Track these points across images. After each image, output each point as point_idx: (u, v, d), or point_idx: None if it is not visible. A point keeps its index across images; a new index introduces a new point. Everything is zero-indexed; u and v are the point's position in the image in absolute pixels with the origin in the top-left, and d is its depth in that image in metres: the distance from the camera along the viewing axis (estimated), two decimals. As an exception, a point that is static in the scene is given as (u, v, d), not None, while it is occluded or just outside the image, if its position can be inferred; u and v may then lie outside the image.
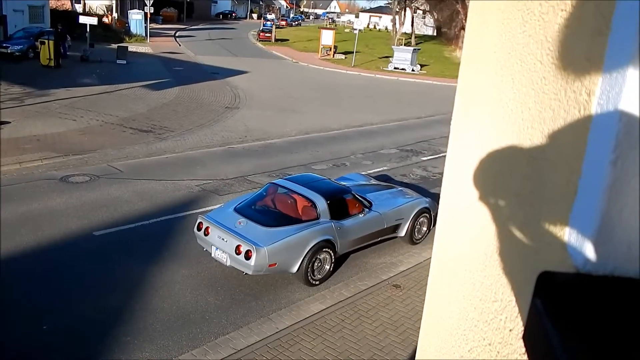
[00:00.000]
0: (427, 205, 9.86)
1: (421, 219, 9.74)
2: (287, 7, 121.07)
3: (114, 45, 33.29)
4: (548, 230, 0.79)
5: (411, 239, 9.64)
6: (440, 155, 15.99)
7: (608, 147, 0.60)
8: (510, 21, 1.05)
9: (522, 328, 0.88)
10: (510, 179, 1.00)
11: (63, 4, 47.33)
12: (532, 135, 0.89)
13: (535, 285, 0.56)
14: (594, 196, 0.62)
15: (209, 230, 7.97)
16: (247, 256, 7.37)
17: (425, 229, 9.87)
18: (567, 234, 0.70)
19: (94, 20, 30.76)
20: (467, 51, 1.41)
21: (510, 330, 0.93)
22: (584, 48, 0.73)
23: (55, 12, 38.02)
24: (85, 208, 10.02)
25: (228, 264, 7.70)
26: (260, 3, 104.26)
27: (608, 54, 0.63)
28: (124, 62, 29.51)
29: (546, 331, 0.50)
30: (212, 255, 7.93)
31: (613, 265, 0.60)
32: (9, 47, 27.08)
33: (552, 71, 0.83)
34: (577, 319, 0.50)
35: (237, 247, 7.48)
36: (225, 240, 7.70)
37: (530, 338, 0.55)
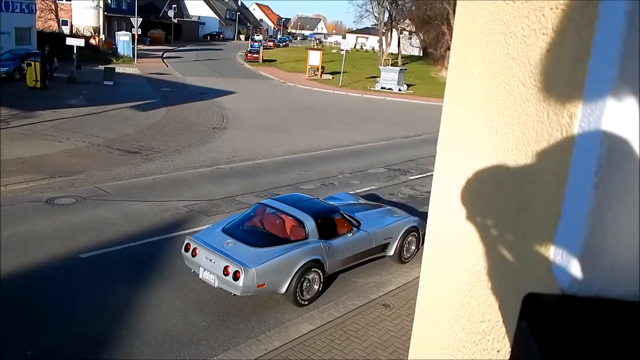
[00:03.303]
0: (415, 224, 9.88)
1: (410, 238, 9.75)
2: (274, 28, 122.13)
3: (101, 67, 33.31)
4: (533, 251, 0.79)
5: (400, 258, 9.63)
6: (428, 174, 16.05)
7: (590, 170, 0.60)
8: (493, 44, 1.07)
9: (509, 349, 0.88)
10: (497, 200, 1.00)
11: (50, 26, 47.43)
12: (516, 157, 0.90)
13: (521, 307, 0.56)
14: (578, 218, 0.62)
15: (197, 252, 7.91)
16: (235, 277, 7.31)
17: (413, 247, 9.87)
18: (552, 256, 0.70)
19: (81, 42, 30.82)
20: (453, 72, 1.43)
21: (497, 352, 0.93)
22: (565, 72, 0.74)
23: (42, 34, 38.03)
24: (71, 230, 9.92)
25: (216, 285, 7.63)
26: (248, 24, 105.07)
27: (589, 79, 0.64)
28: (111, 83, 29.47)
29: (532, 353, 0.50)
30: (200, 276, 7.86)
31: (598, 287, 0.60)
32: (-5, 68, 26.99)
33: (535, 93, 0.85)
34: (563, 340, 0.50)
35: (225, 267, 7.42)
36: (213, 261, 7.64)
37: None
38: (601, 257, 0.60)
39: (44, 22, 46.99)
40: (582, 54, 0.67)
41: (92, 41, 43.29)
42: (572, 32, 0.73)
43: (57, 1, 50.78)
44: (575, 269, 0.61)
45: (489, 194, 1.06)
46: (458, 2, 1.42)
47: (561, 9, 0.78)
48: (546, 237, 0.73)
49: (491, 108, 1.06)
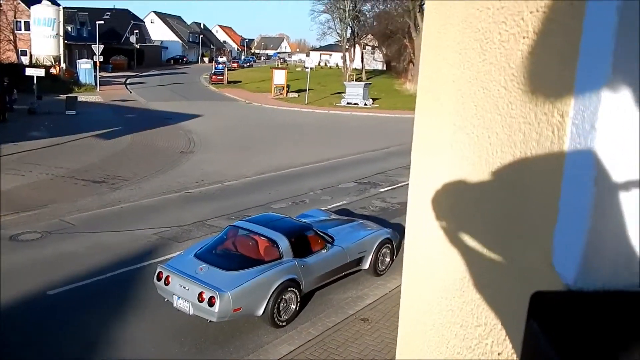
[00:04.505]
0: (388, 236, 9.90)
1: (384, 250, 9.75)
2: (238, 49, 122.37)
3: (63, 96, 32.74)
4: (531, 251, 0.79)
5: (375, 270, 9.61)
6: (398, 185, 16.16)
7: (589, 165, 0.60)
8: (468, 51, 1.08)
9: (512, 351, 0.88)
10: (484, 204, 1.01)
11: (8, 57, 46.60)
12: (502, 159, 0.91)
13: (529, 306, 0.56)
14: (578, 214, 0.63)
15: (170, 280, 7.75)
16: (211, 303, 7.18)
17: (388, 259, 9.87)
18: (552, 254, 0.70)
19: (41, 72, 30.36)
20: (424, 82, 1.42)
21: (498, 354, 0.93)
22: (552, 72, 0.75)
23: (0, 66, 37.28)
24: (38, 267, 9.61)
25: (191, 312, 7.47)
26: (212, 46, 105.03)
27: (579, 77, 0.65)
28: (74, 112, 29.01)
29: (545, 352, 0.50)
30: (174, 305, 7.69)
31: (603, 280, 0.61)
32: (-49, 104, 26.29)
33: (519, 96, 0.86)
34: (576, 336, 0.50)
35: (200, 294, 7.28)
36: (187, 288, 7.49)
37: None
38: (604, 251, 0.60)
39: (2, 53, 46.24)
40: (570, 53, 0.68)
41: (53, 70, 42.62)
42: (557, 32, 0.75)
43: (16, 31, 49.95)
44: (579, 264, 0.62)
45: (475, 198, 1.06)
46: (426, 15, 1.43)
47: (542, 12, 0.79)
48: (545, 236, 0.73)
49: (470, 114, 1.06)
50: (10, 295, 8.53)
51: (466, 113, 1.08)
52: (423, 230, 1.34)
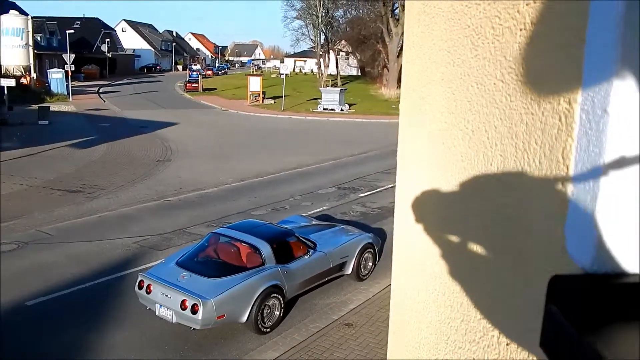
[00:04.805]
0: (370, 240, 9.93)
1: (366, 255, 9.78)
2: (212, 56, 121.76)
3: (35, 106, 32.19)
4: (541, 239, 0.79)
5: (358, 275, 9.64)
6: (377, 190, 16.24)
7: (600, 148, 0.60)
8: (457, 48, 1.08)
9: (519, 342, 0.88)
10: (484, 196, 1.01)
11: (-23, 68, 45.61)
12: (503, 151, 0.91)
13: (547, 291, 0.56)
14: (590, 197, 0.62)
15: (151, 288, 7.67)
16: (194, 310, 7.12)
17: (370, 264, 9.90)
18: (566, 240, 0.70)
19: (11, 82, 29.84)
20: (408, 83, 1.43)
21: (507, 345, 0.93)
22: (555, 60, 0.75)
23: (-32, 77, 36.48)
24: (15, 278, 9.40)
25: (174, 320, 7.40)
26: (185, 54, 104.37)
27: (587, 62, 0.65)
28: (47, 122, 28.53)
29: (568, 335, 0.50)
30: (157, 313, 7.61)
31: (618, 262, 0.60)
32: None
33: (519, 87, 0.86)
34: (597, 319, 0.50)
35: (183, 302, 7.22)
36: (169, 296, 7.42)
37: (550, 345, 0.54)
38: (618, 233, 0.59)
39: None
40: (574, 40, 0.68)
41: (24, 80, 41.89)
42: (558, 21, 0.75)
43: (-17, 42, 48.97)
44: (594, 248, 0.61)
45: (474, 192, 1.06)
46: (407, 16, 1.44)
47: (540, 2, 0.79)
48: (556, 222, 0.72)
49: (463, 110, 1.07)
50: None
51: (458, 109, 1.08)
52: (412, 231, 1.33)
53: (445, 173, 1.15)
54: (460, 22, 1.07)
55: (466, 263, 1.08)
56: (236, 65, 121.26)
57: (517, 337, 0.91)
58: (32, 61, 47.72)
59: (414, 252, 1.36)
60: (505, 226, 0.94)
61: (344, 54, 70.39)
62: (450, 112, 1.12)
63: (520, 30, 0.85)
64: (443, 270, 1.17)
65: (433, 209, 1.25)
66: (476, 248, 1.03)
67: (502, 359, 0.95)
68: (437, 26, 1.19)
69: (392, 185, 16.58)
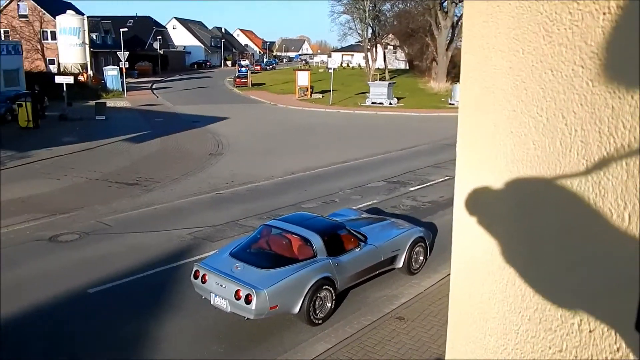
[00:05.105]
0: (421, 234, 9.86)
1: (417, 249, 9.72)
2: (260, 52, 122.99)
3: (92, 102, 33.40)
4: (626, 222, 0.79)
5: (409, 269, 9.59)
6: (428, 184, 16.09)
7: None
8: (527, 35, 1.08)
9: (606, 327, 0.88)
10: (561, 180, 1.00)
11: (38, 66, 47.63)
12: (584, 137, 0.91)
13: None
14: None
15: (206, 278, 7.86)
16: (248, 300, 7.26)
17: (422, 258, 9.83)
18: None
19: (70, 79, 30.92)
20: (468, 74, 1.41)
21: (590, 332, 0.93)
22: None
23: (30, 74, 38.16)
24: (78, 266, 9.84)
25: (228, 310, 7.57)
26: (234, 50, 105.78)
27: None
28: (103, 117, 29.54)
29: None
30: (212, 302, 7.80)
31: None
32: (-14, 112, 27.03)
33: (603, 72, 0.86)
34: None
35: (237, 292, 7.37)
36: (223, 286, 7.59)
37: None
38: None
39: (31, 62, 47.23)
40: None
41: (81, 78, 43.45)
42: None
43: (43, 41, 51.02)
44: None
45: (547, 178, 1.05)
46: (466, 5, 1.42)
47: None
48: None
49: (536, 97, 1.07)
50: (54, 292, 8.76)
51: (529, 97, 1.08)
52: (475, 222, 1.31)
53: (514, 162, 1.15)
54: (530, 9, 1.06)
55: (542, 251, 1.08)
56: (284, 60, 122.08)
57: (603, 322, 0.90)
58: (88, 59, 49.42)
59: (477, 242, 1.35)
60: (585, 210, 0.93)
61: (391, 47, 69.73)
62: (520, 100, 1.12)
63: (604, 14, 0.84)
64: (513, 260, 1.17)
65: (500, 198, 1.24)
66: (553, 235, 1.03)
67: (584, 346, 0.95)
68: (502, 14, 1.18)
69: (442, 179, 16.41)
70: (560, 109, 0.99)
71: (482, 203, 1.31)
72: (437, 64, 51.41)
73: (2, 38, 49.01)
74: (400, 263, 9.50)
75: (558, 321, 1.01)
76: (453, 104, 38.47)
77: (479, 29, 1.31)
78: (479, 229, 1.31)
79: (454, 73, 52.66)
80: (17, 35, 47.93)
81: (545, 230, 1.06)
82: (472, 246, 1.40)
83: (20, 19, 50.37)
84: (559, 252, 1.03)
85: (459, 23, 50.89)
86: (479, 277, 1.36)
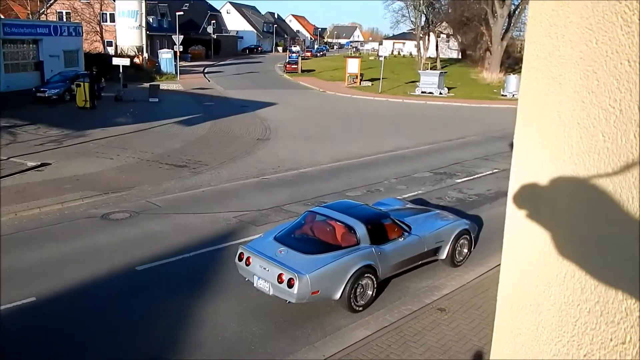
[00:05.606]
0: (467, 227, 9.74)
1: (461, 241, 9.61)
2: (311, 38, 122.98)
3: (146, 85, 34.26)
4: None
5: (452, 261, 9.50)
6: (475, 176, 15.83)
7: None
8: (603, 25, 1.06)
9: None
10: (632, 171, 0.99)
11: (96, 47, 49.06)
12: None
13: None
14: None
15: (250, 260, 8.00)
16: (290, 284, 7.36)
17: (466, 250, 9.72)
18: None
19: (126, 61, 31.75)
20: (532, 63, 1.38)
21: None
22: None
23: (88, 56, 39.40)
24: (127, 244, 10.19)
25: (271, 293, 7.70)
26: (285, 36, 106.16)
27: None
28: (156, 100, 30.25)
29: None
30: (255, 284, 7.94)
31: None
32: (46, 91, 28.14)
33: None
34: None
35: (279, 275, 7.48)
36: (267, 269, 7.71)
37: None
38: None
39: (90, 44, 48.63)
40: None
41: (137, 60, 44.56)
42: None
43: (102, 23, 52.49)
44: None
45: (616, 169, 1.04)
46: None
47: None
48: None
49: (609, 88, 1.05)
50: (104, 268, 9.13)
51: (601, 88, 1.06)
52: (531, 213, 1.30)
53: (579, 154, 1.13)
54: None
55: (610, 246, 1.06)
56: (334, 47, 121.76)
57: None
58: (144, 42, 50.55)
59: (532, 234, 1.34)
60: None
61: (444, 36, 68.48)
62: (590, 92, 1.10)
63: None
64: (576, 254, 1.16)
65: (563, 190, 1.23)
66: (623, 230, 1.01)
67: None
68: (575, 3, 1.16)
69: (490, 172, 16.11)
70: (637, 100, 0.97)
71: (541, 195, 1.30)
72: (490, 53, 50.20)
73: (64, 19, 50.73)
74: (443, 255, 9.42)
75: (622, 314, 1.01)
76: (505, 95, 37.57)
77: (547, 17, 1.28)
78: (536, 221, 1.30)
79: (507, 64, 51.41)
80: (78, 17, 49.38)
81: (614, 226, 1.05)
82: (526, 237, 1.39)
83: (82, 0, 51.91)
84: (628, 248, 1.01)
85: (516, 12, 49.50)
86: (533, 269, 1.35)
